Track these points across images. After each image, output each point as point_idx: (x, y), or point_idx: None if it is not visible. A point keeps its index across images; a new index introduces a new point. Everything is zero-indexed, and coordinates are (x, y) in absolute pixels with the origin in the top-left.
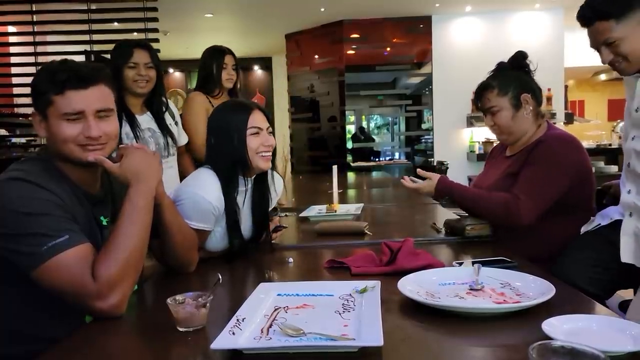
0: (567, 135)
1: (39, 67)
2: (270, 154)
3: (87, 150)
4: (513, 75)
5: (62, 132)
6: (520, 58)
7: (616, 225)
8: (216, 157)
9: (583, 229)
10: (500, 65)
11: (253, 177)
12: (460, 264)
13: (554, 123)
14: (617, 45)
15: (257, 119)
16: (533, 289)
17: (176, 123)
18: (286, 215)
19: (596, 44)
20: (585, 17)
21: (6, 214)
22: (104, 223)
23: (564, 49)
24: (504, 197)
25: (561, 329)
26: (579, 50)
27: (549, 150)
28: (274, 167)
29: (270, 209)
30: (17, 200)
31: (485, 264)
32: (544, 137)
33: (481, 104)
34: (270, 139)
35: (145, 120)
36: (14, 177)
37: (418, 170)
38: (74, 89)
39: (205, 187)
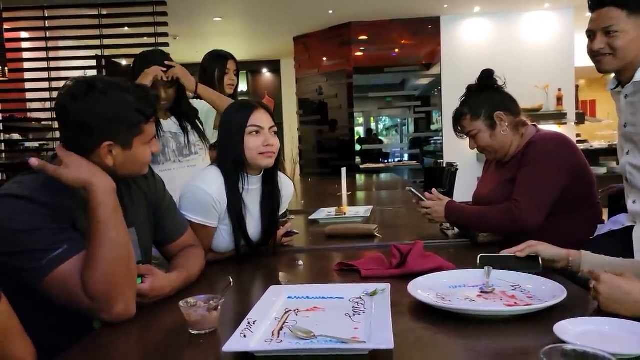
0: (556, 134)
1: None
2: (273, 152)
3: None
4: (482, 97)
5: (145, 155)
6: (486, 77)
7: (628, 229)
8: (222, 156)
9: (596, 233)
10: (470, 89)
11: (261, 176)
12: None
13: (565, 123)
14: (615, 37)
15: (258, 117)
16: (544, 291)
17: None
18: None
19: (595, 28)
20: None
21: (1, 232)
22: None
23: (574, 49)
24: (506, 205)
25: (573, 331)
26: None
27: (539, 150)
28: (281, 170)
29: (280, 213)
30: (10, 217)
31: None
32: (533, 139)
33: (460, 131)
34: (271, 139)
35: (169, 124)
36: (4, 194)
37: (428, 194)
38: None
39: (207, 181)
